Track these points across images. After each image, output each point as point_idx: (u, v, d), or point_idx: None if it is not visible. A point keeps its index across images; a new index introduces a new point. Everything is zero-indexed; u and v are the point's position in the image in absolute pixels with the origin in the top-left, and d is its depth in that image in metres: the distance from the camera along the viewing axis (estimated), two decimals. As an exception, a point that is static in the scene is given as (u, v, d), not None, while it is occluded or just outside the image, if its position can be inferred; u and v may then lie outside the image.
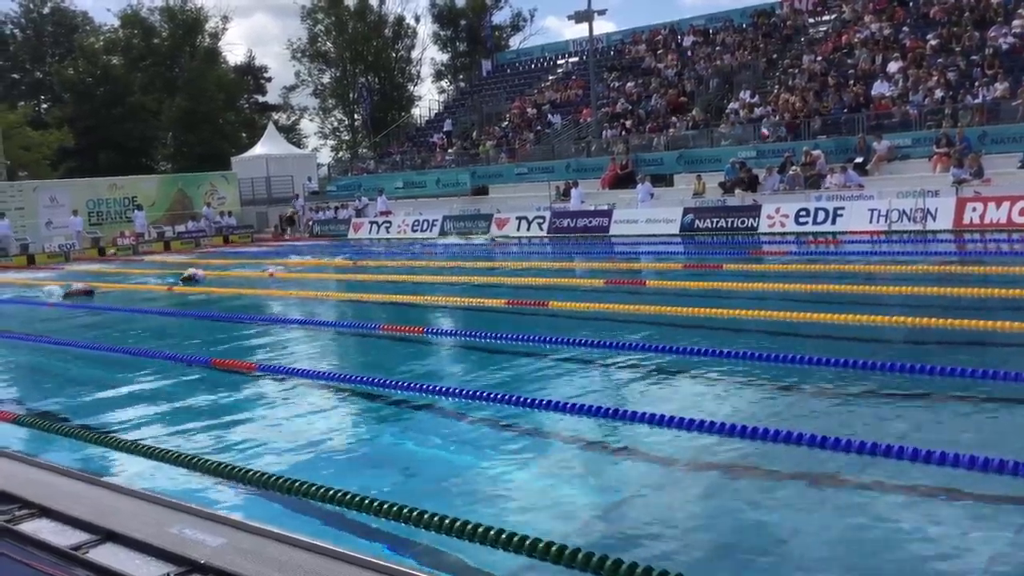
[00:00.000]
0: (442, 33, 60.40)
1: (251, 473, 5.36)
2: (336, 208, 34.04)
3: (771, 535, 4.50)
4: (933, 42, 26.07)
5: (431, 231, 28.18)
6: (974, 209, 18.58)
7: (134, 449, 6.21)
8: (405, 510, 4.45)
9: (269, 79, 64.56)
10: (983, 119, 22.16)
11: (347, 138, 62.73)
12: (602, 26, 47.66)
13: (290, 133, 59.40)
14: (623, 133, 30.29)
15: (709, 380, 7.61)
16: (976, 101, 22.83)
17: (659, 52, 35.73)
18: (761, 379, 7.49)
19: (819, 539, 4.42)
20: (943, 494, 4.78)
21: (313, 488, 4.95)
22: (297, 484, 5.03)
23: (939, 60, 25.00)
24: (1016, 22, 24.74)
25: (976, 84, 23.38)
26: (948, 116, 22.58)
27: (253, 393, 8.30)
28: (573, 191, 26.50)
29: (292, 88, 62.57)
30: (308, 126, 66.11)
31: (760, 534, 4.52)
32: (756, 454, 5.54)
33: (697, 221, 22.52)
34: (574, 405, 6.63)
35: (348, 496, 4.75)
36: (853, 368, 7.33)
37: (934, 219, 18.88)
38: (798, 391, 7.09)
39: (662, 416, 6.12)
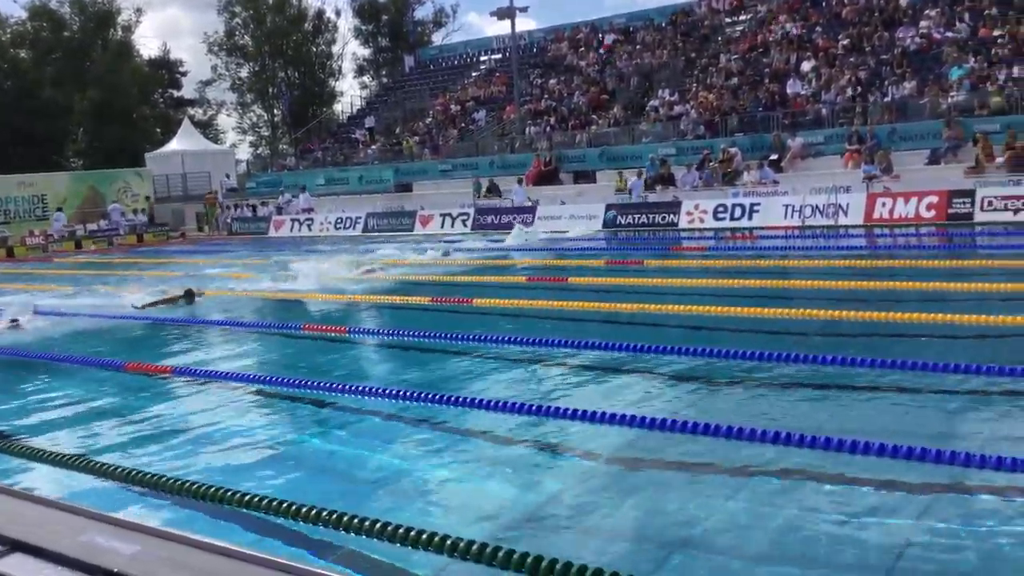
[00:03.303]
0: (363, 28, 59.80)
1: (165, 479, 5.22)
2: (255, 206, 33.42)
3: (694, 526, 4.57)
4: (844, 42, 26.84)
5: (354, 229, 27.93)
6: (884, 204, 19.20)
7: (41, 456, 6.00)
8: (325, 513, 4.38)
9: (185, 73, 62.97)
10: (892, 117, 22.92)
11: (267, 134, 61.72)
12: (524, 23, 47.68)
13: (207, 129, 57.99)
14: (547, 130, 30.44)
15: (632, 375, 7.71)
16: (885, 99, 23.59)
17: (581, 50, 35.97)
18: (683, 373, 7.61)
19: (741, 528, 4.51)
20: (858, 482, 4.92)
21: (230, 493, 4.85)
22: (213, 489, 4.92)
23: (850, 59, 25.75)
24: (923, 23, 25.61)
25: (885, 83, 24.15)
26: (859, 114, 23.28)
27: (166, 397, 8.10)
28: (516, 187, 26.28)
29: (209, 83, 61.29)
30: (226, 121, 64.76)
31: (684, 525, 4.59)
32: (679, 447, 5.62)
33: (619, 217, 22.78)
34: (497, 403, 6.63)
35: (267, 500, 4.66)
36: (770, 360, 7.49)
37: (846, 214, 19.45)
38: (718, 384, 7.22)
39: (585, 412, 6.16)
